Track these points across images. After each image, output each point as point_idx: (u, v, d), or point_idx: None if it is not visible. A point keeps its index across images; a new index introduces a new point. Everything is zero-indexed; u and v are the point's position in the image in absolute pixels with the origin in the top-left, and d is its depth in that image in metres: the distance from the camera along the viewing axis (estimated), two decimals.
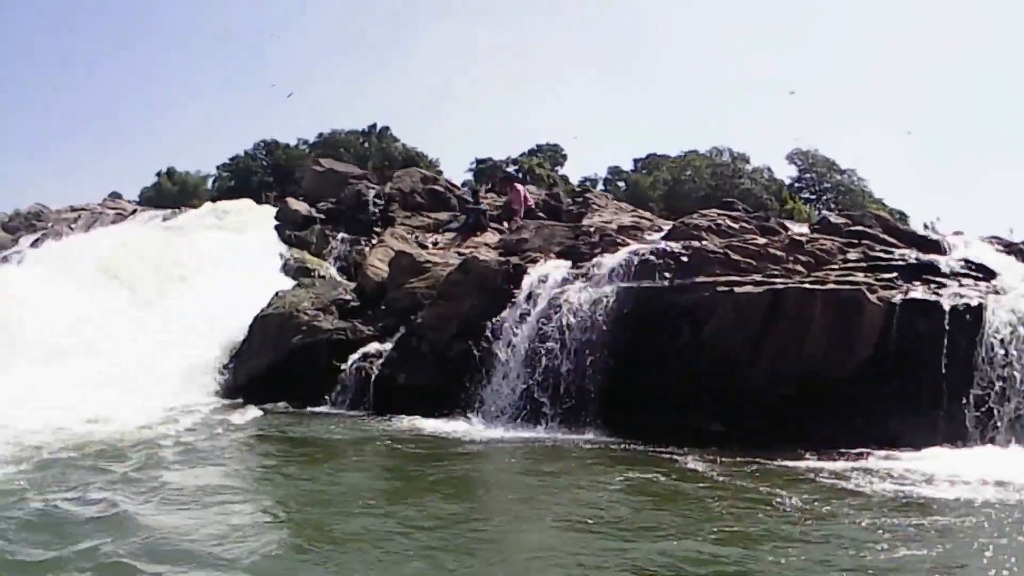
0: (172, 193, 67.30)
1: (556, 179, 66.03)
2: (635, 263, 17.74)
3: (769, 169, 75.79)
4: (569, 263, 19.00)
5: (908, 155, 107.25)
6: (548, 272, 18.63)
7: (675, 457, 13.46)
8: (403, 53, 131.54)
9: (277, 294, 22.14)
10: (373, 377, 18.95)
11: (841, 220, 20.14)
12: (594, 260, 18.46)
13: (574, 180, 71.09)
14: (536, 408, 16.84)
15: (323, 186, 31.70)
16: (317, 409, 18.83)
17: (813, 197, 76.96)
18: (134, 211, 39.38)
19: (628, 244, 19.16)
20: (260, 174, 71.84)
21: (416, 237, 25.14)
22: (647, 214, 28.07)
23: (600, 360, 16.65)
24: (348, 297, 21.54)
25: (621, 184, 73.34)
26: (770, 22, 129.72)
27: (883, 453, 13.44)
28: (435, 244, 24.67)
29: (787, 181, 75.87)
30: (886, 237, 18.52)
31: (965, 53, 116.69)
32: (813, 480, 11.73)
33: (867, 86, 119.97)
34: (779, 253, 17.53)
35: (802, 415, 14.74)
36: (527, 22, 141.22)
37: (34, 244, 34.84)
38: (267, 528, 8.98)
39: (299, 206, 30.04)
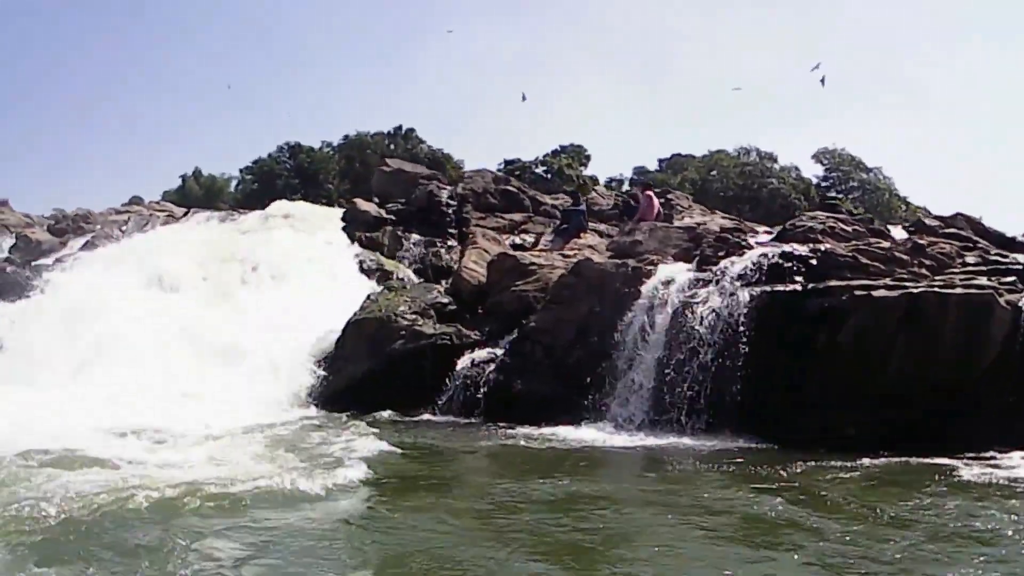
0: (197, 196, 66.83)
1: (585, 179, 65.45)
2: (765, 266, 16.95)
3: (797, 169, 75.44)
4: (690, 266, 18.15)
5: (927, 152, 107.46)
6: (672, 275, 17.75)
7: (813, 461, 13.07)
8: (424, 56, 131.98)
9: (369, 297, 21.37)
10: (485, 384, 18.11)
11: (935, 222, 20.16)
12: (721, 263, 17.60)
13: (600, 180, 70.62)
14: (667, 414, 16.18)
15: (392, 186, 30.89)
16: (425, 418, 17.98)
17: (840, 196, 76.46)
18: (186, 213, 38.71)
19: (750, 247, 18.36)
20: (285, 177, 71.38)
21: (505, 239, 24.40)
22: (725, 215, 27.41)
23: (734, 365, 15.93)
24: (445, 300, 20.69)
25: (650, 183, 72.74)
26: (791, 20, 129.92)
27: (1019, 455, 13.17)
28: (528, 245, 23.93)
29: (813, 180, 75.42)
30: (978, 240, 18.59)
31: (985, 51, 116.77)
32: (956, 481, 11.53)
33: (889, 82, 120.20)
34: (904, 256, 17.05)
35: (933, 417, 14.47)
36: (547, 24, 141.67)
37: (85, 247, 34.32)
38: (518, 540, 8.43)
39: (368, 207, 29.27)
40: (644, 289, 17.68)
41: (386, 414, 18.00)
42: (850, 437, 14.47)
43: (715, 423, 15.71)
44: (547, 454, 13.97)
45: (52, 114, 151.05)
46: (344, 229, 28.69)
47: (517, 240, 25.43)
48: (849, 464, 12.75)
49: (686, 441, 15.23)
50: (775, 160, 74.57)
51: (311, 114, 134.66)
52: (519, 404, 17.32)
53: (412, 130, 74.29)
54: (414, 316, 19.96)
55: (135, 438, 13.60)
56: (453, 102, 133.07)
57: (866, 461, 12.94)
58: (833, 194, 76.19)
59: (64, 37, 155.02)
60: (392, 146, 72.96)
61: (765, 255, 17.34)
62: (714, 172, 73.14)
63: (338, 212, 31.46)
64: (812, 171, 76.54)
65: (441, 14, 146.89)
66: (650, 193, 25.34)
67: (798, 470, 12.39)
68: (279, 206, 33.70)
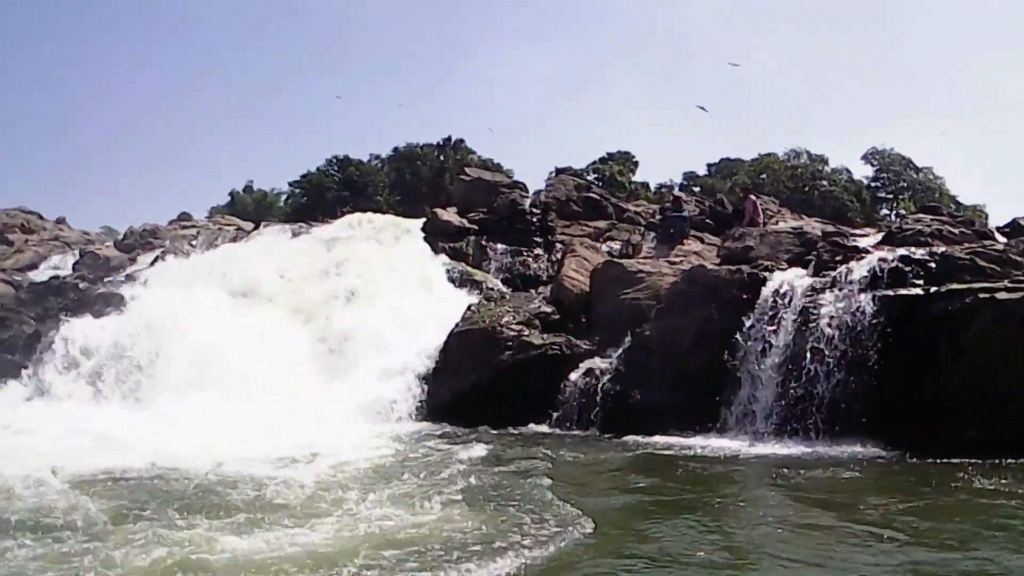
0: (247, 210, 66.94)
1: (637, 185, 65.30)
2: (885, 271, 16.58)
3: (848, 170, 74.88)
4: (805, 271, 17.84)
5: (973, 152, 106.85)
6: (789, 281, 17.41)
7: (943, 465, 13.12)
8: (468, 68, 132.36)
9: (470, 308, 21.12)
10: (601, 394, 17.84)
11: None
12: (840, 268, 17.27)
13: (650, 186, 70.50)
14: (791, 421, 15.88)
15: (472, 195, 30.55)
16: (540, 429, 17.76)
17: (890, 196, 76.06)
18: (255, 227, 38.60)
19: (866, 251, 18.04)
20: (334, 190, 71.45)
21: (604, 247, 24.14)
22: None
23: (856, 370, 15.64)
24: (548, 309, 20.40)
25: (697, 189, 72.43)
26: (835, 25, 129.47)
27: None
28: (616, 252, 23.66)
29: (864, 182, 74.93)
30: None
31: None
32: None
33: (936, 82, 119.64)
34: (1019, 258, 16.66)
35: None
36: (590, 33, 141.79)
37: (155, 262, 34.22)
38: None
39: (450, 217, 28.96)
40: (761, 296, 17.36)
41: (495, 428, 17.77)
42: (972, 441, 14.21)
43: (838, 429, 15.38)
44: (678, 466, 13.73)
45: (100, 133, 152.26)
46: (425, 239, 28.40)
47: (603, 247, 25.08)
48: (973, 469, 12.63)
49: (812, 448, 15.02)
50: (826, 163, 74.08)
51: (357, 128, 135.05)
52: (636, 414, 17.09)
53: (461, 141, 74.29)
54: (520, 326, 19.69)
55: (267, 465, 13.32)
56: (498, 112, 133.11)
57: (990, 466, 12.88)
58: (883, 195, 75.94)
59: (111, 57, 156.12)
60: (442, 157, 73.05)
61: (884, 259, 16.98)
62: (764, 176, 72.66)
63: (416, 222, 31.22)
64: (862, 173, 75.90)
65: (484, 26, 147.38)
66: (754, 198, 25.06)
67: (926, 477, 12.41)
68: (356, 217, 33.49)
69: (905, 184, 75.74)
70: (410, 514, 9.84)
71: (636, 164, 73.65)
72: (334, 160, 75.19)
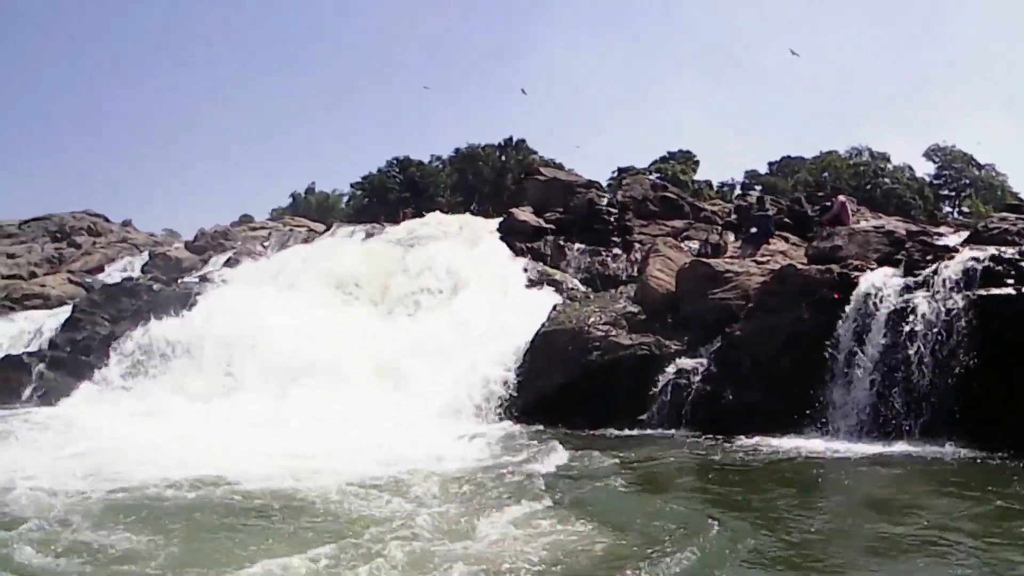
0: (309, 212, 67.44)
1: (700, 184, 65.18)
2: (978, 271, 16.48)
3: (910, 168, 74.35)
4: (896, 271, 17.74)
5: None
6: (882, 281, 17.35)
7: None
8: (530, 67, 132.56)
9: (555, 308, 21.29)
10: (692, 394, 17.88)
11: None
12: (932, 268, 17.18)
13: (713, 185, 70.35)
14: (884, 422, 15.82)
15: (548, 195, 30.66)
16: (629, 430, 17.70)
17: (952, 194, 75.46)
18: (328, 228, 38.88)
19: (956, 251, 17.92)
20: (396, 191, 71.81)
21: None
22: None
23: (949, 370, 15.55)
24: (634, 309, 20.43)
25: (759, 188, 72.15)
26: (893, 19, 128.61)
27: None
28: (693, 252, 23.65)
29: (925, 179, 74.43)
30: None
31: None
32: None
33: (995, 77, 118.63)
34: None
35: None
36: (646, 32, 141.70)
37: (228, 263, 34.55)
38: None
39: (527, 217, 29.08)
40: (853, 296, 17.28)
41: (590, 429, 17.85)
42: None
43: (931, 430, 15.32)
44: (790, 466, 13.82)
45: (161, 137, 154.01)
46: (502, 239, 28.52)
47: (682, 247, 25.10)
48: None
49: (905, 448, 14.97)
50: (888, 160, 73.66)
51: (415, 128, 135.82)
52: (728, 414, 17.11)
53: (523, 141, 74.53)
54: (607, 326, 19.76)
55: (365, 475, 12.92)
56: (557, 112, 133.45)
57: None
58: (945, 192, 75.35)
59: (170, 62, 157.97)
60: (504, 157, 73.28)
61: (976, 259, 16.89)
62: (826, 173, 72.30)
63: (491, 222, 31.36)
64: (924, 170, 75.36)
65: (541, 25, 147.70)
66: (843, 198, 24.99)
67: None
68: (431, 218, 33.71)
69: (967, 181, 75.09)
70: (528, 533, 9.62)
71: (697, 163, 73.57)
72: (395, 161, 75.65)
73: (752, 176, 76.23)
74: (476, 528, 9.71)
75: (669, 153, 72.97)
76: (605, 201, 28.56)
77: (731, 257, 21.81)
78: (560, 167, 67.53)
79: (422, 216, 31.61)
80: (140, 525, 9.88)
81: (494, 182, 71.36)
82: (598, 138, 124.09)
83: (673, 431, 17.48)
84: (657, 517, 10.19)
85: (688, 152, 73.42)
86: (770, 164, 78.08)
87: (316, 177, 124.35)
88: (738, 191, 71.50)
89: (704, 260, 20.54)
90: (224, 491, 11.68)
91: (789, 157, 77.05)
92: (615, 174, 64.13)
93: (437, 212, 35.69)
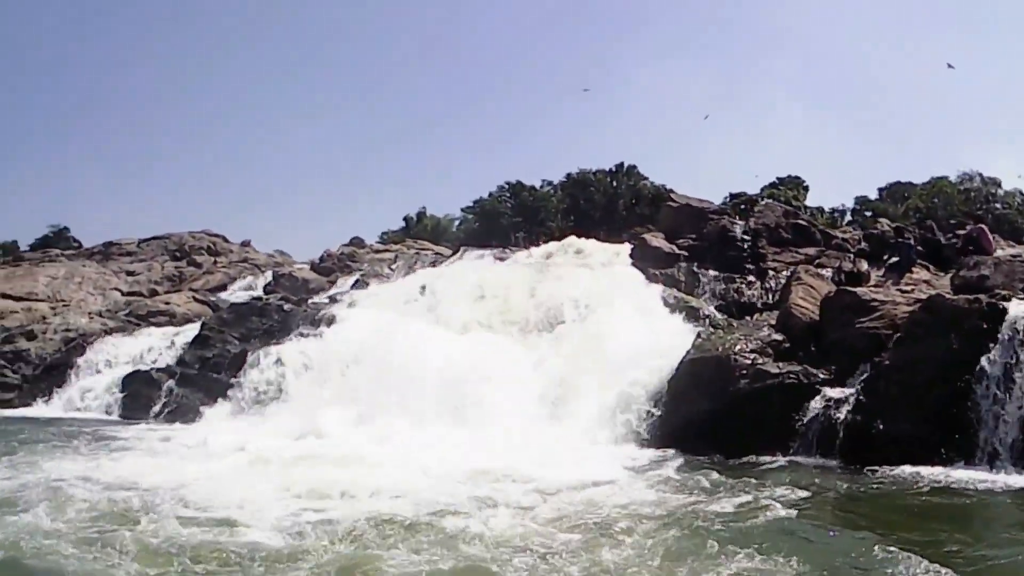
0: (423, 235, 68.05)
1: (812, 210, 64.71)
2: None
3: (1021, 192, 73.06)
4: None
5: None
6: None
7: None
8: (626, 93, 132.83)
9: (700, 335, 21.42)
10: (841, 424, 17.83)
11: None
12: None
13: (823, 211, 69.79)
14: None
15: (679, 221, 30.83)
16: (777, 459, 17.73)
17: None
18: (455, 251, 39.33)
19: None
20: (508, 215, 72.20)
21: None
22: None
23: None
24: (779, 337, 20.48)
25: (868, 214, 71.37)
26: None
27: None
28: (838, 279, 23.64)
29: None
30: None
31: None
32: None
33: None
34: None
35: None
36: (748, 56, 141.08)
37: (356, 285, 35.03)
38: None
39: (660, 243, 29.29)
40: (1003, 325, 17.25)
41: (736, 458, 17.97)
42: None
43: None
44: (944, 498, 13.87)
45: (273, 159, 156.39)
46: (633, 265, 28.72)
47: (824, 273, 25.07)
48: None
49: None
50: (999, 185, 72.30)
51: (519, 153, 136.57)
52: (878, 444, 17.05)
53: (634, 167, 74.31)
54: (753, 354, 19.84)
55: (517, 506, 12.96)
56: (660, 138, 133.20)
57: None
58: None
59: (279, 89, 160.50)
60: (615, 183, 73.28)
61: None
62: (936, 199, 71.30)
63: (621, 247, 31.55)
64: None
65: (642, 49, 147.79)
66: (983, 226, 24.94)
67: None
68: (565, 242, 33.98)
69: None
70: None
71: (807, 189, 72.86)
72: (507, 186, 75.96)
73: (862, 202, 75.25)
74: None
75: (778, 179, 72.33)
76: (739, 228, 28.52)
77: (875, 286, 21.78)
78: (672, 192, 67.69)
79: (641, 237, 31.40)
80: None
81: (605, 207, 71.37)
82: (702, 163, 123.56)
83: (821, 460, 17.50)
84: (831, 552, 10.35)
85: (798, 178, 72.68)
86: (880, 190, 77.08)
87: (421, 201, 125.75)
88: (848, 218, 70.78)
89: (849, 289, 20.51)
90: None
91: (899, 183, 75.95)
92: (727, 200, 63.83)
93: (572, 236, 35.76)
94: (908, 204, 69.81)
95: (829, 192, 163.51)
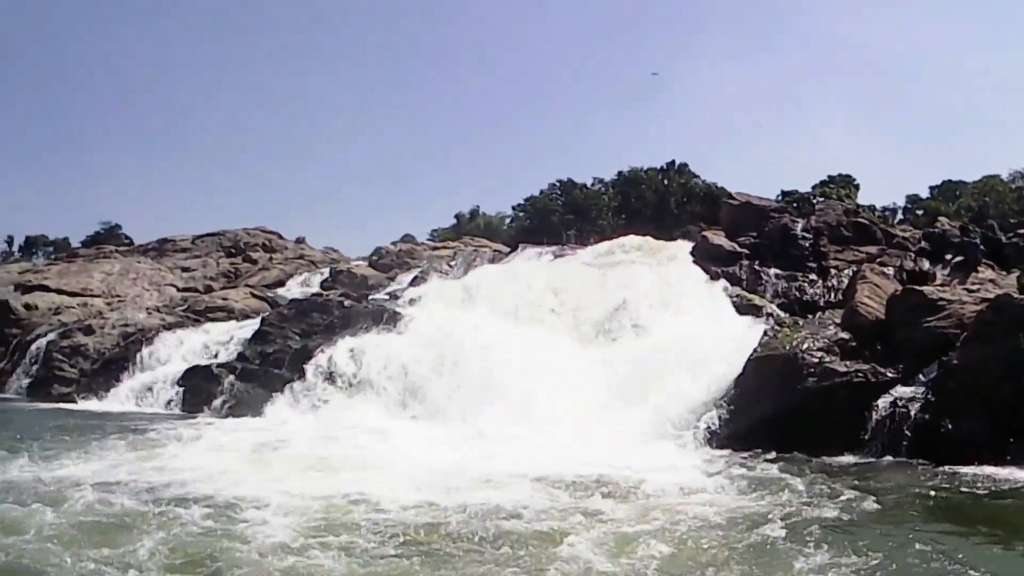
0: (475, 233, 68.40)
1: (863, 208, 64.47)
2: None
3: None
4: None
5: None
6: None
7: None
8: (676, 91, 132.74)
9: (766, 334, 21.47)
10: (909, 423, 17.87)
11: None
12: None
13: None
14: None
15: (741, 220, 30.88)
16: (846, 457, 17.77)
17: None
18: (512, 249, 39.48)
19: None
20: (559, 213, 72.47)
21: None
22: None
23: None
24: (845, 336, 20.51)
25: (920, 212, 71.10)
26: None
27: None
28: (899, 277, 23.70)
29: None
30: None
31: None
32: None
33: None
34: None
35: None
36: (797, 55, 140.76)
37: (414, 282, 35.15)
38: None
39: (721, 241, 29.37)
40: None
41: (806, 456, 17.89)
42: None
43: None
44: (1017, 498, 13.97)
45: (328, 160, 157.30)
46: (695, 263, 28.82)
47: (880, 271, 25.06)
48: None
49: None
50: None
51: (569, 151, 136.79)
52: (947, 444, 17.08)
53: (685, 164, 74.60)
54: (820, 353, 19.89)
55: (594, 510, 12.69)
56: (710, 136, 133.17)
57: None
58: None
59: (332, 86, 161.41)
60: (666, 181, 73.47)
61: None
62: (988, 198, 70.91)
63: (681, 245, 31.66)
64: None
65: (692, 49, 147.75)
66: None
67: None
68: (623, 240, 34.10)
69: None
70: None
71: (857, 187, 72.69)
72: (558, 184, 76.30)
73: (913, 200, 75.08)
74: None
75: (829, 177, 72.26)
76: (799, 226, 28.55)
77: (941, 285, 21.83)
78: (723, 191, 67.67)
79: (704, 235, 31.40)
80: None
81: (656, 205, 71.56)
82: (751, 161, 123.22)
83: (889, 459, 17.50)
84: (910, 552, 10.40)
85: (848, 176, 72.53)
86: (931, 188, 76.81)
87: (470, 199, 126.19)
88: (900, 216, 70.51)
89: (917, 288, 20.55)
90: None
91: (950, 181, 75.69)
92: (779, 198, 63.81)
93: (632, 235, 35.87)
94: (960, 203, 69.44)
95: (879, 190, 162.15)
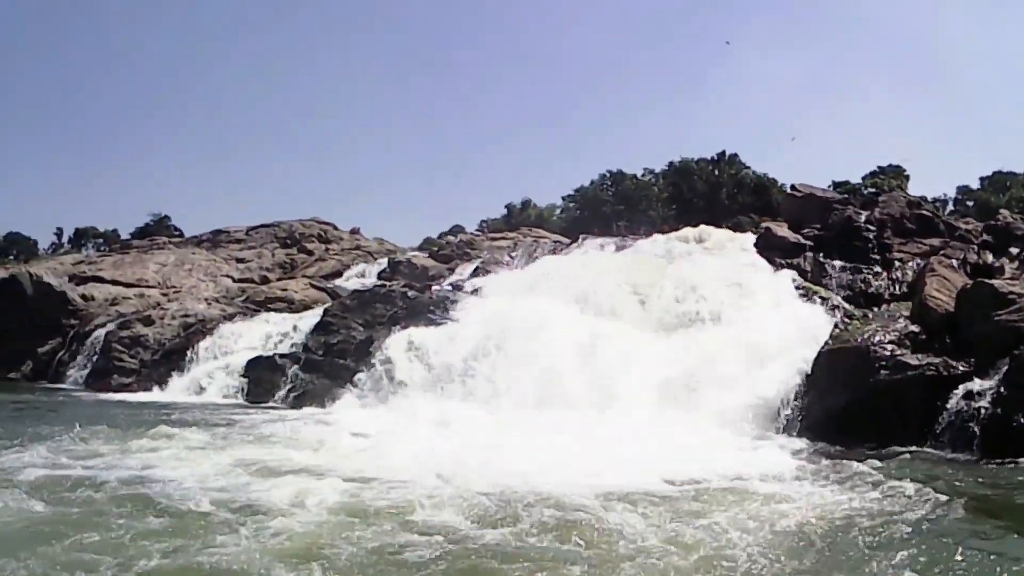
0: (526, 224, 68.56)
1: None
2: None
3: None
4: None
5: None
6: None
7: None
8: (733, 81, 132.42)
9: (837, 326, 21.69)
10: (982, 417, 17.91)
11: None
12: None
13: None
14: None
15: (804, 212, 30.93)
16: (918, 450, 17.80)
17: None
18: (573, 240, 39.59)
19: None
20: (609, 203, 72.53)
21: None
22: None
23: None
24: (915, 329, 20.62)
25: (971, 203, 70.71)
26: None
27: None
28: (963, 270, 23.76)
29: None
30: None
31: None
32: None
33: None
34: None
35: None
36: (845, 46, 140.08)
37: (475, 273, 35.43)
38: None
39: (785, 233, 29.43)
40: None
41: (879, 448, 17.92)
42: None
43: None
44: None
45: (378, 153, 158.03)
46: (759, 254, 28.94)
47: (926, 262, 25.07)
48: None
49: None
50: None
51: (617, 142, 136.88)
52: (1019, 438, 17.08)
53: (735, 155, 74.38)
54: (892, 346, 20.05)
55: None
56: (759, 125, 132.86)
57: None
58: None
59: (389, 81, 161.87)
60: (716, 172, 73.36)
61: None
62: None
63: (744, 236, 31.77)
64: None
65: (744, 40, 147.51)
66: None
67: None
68: (686, 231, 34.20)
69: None
70: None
71: (907, 178, 72.30)
72: (608, 175, 76.37)
73: (964, 191, 74.68)
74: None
75: (879, 168, 71.94)
76: (863, 218, 28.60)
77: (1010, 278, 21.87)
78: (773, 182, 67.63)
79: (767, 227, 31.39)
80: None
81: (707, 196, 71.50)
82: (799, 152, 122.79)
83: (959, 453, 17.59)
84: (992, 550, 10.38)
85: (898, 167, 72.06)
86: (982, 179, 76.32)
87: (518, 190, 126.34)
88: (950, 208, 70.16)
89: (987, 281, 20.57)
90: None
91: (1000, 172, 75.19)
92: (831, 188, 63.71)
93: (700, 226, 35.89)
94: (1011, 193, 69.01)
95: (928, 181, 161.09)
